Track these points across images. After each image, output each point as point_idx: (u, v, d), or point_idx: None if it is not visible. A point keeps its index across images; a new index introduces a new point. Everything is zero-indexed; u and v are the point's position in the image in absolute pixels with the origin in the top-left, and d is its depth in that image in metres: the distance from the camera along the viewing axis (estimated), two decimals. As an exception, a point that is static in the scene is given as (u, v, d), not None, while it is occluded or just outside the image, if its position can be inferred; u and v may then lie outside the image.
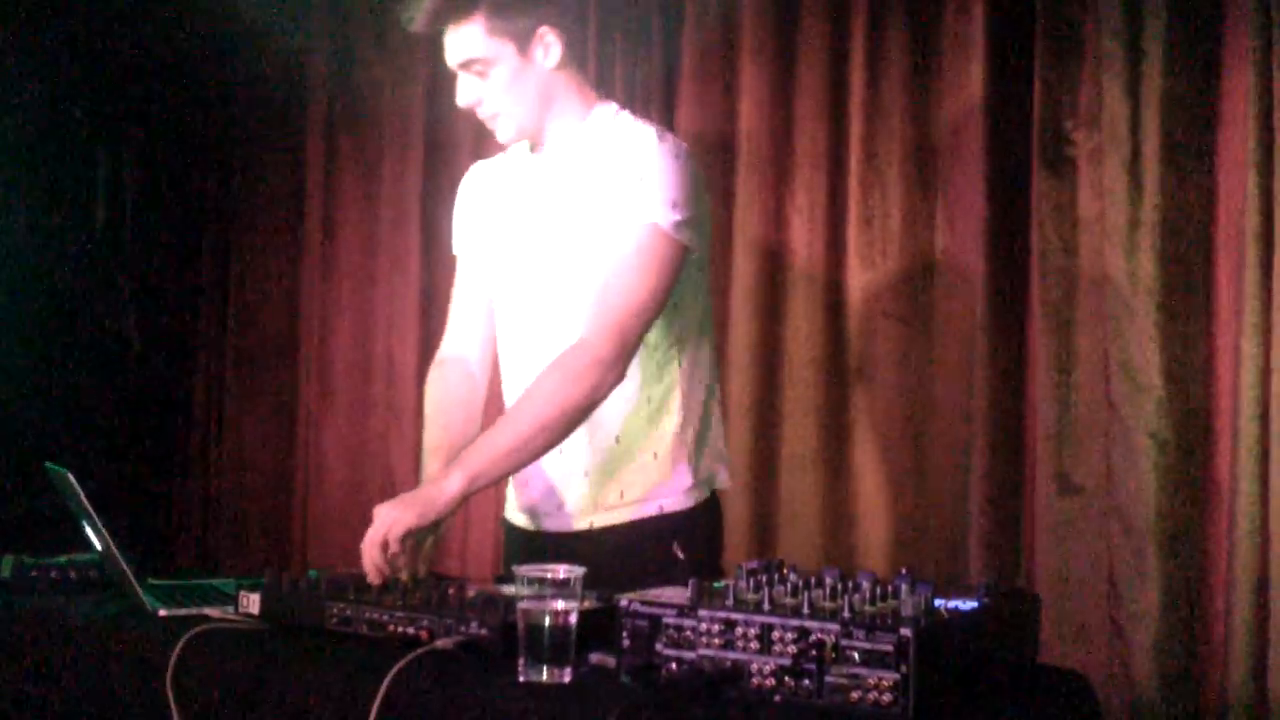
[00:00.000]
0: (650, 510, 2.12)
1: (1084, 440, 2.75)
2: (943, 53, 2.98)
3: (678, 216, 2.01)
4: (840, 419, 3.07)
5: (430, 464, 2.14)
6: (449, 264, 3.77)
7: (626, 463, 2.11)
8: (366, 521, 1.92)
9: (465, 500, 1.94)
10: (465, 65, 2.05)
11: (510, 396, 2.18)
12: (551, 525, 2.17)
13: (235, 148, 4.18)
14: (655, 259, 2.00)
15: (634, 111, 2.17)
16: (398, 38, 3.83)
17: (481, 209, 2.27)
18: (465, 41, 2.02)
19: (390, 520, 1.87)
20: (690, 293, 2.11)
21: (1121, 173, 2.71)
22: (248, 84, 4.13)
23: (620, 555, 2.05)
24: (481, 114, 2.09)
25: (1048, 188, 2.80)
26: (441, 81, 3.66)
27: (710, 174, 3.23)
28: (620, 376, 2.00)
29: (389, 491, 3.74)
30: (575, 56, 2.11)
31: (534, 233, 2.14)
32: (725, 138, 3.23)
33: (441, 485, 1.92)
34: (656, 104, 3.32)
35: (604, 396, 1.99)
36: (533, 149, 2.18)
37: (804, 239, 3.13)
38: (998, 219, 2.87)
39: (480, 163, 2.34)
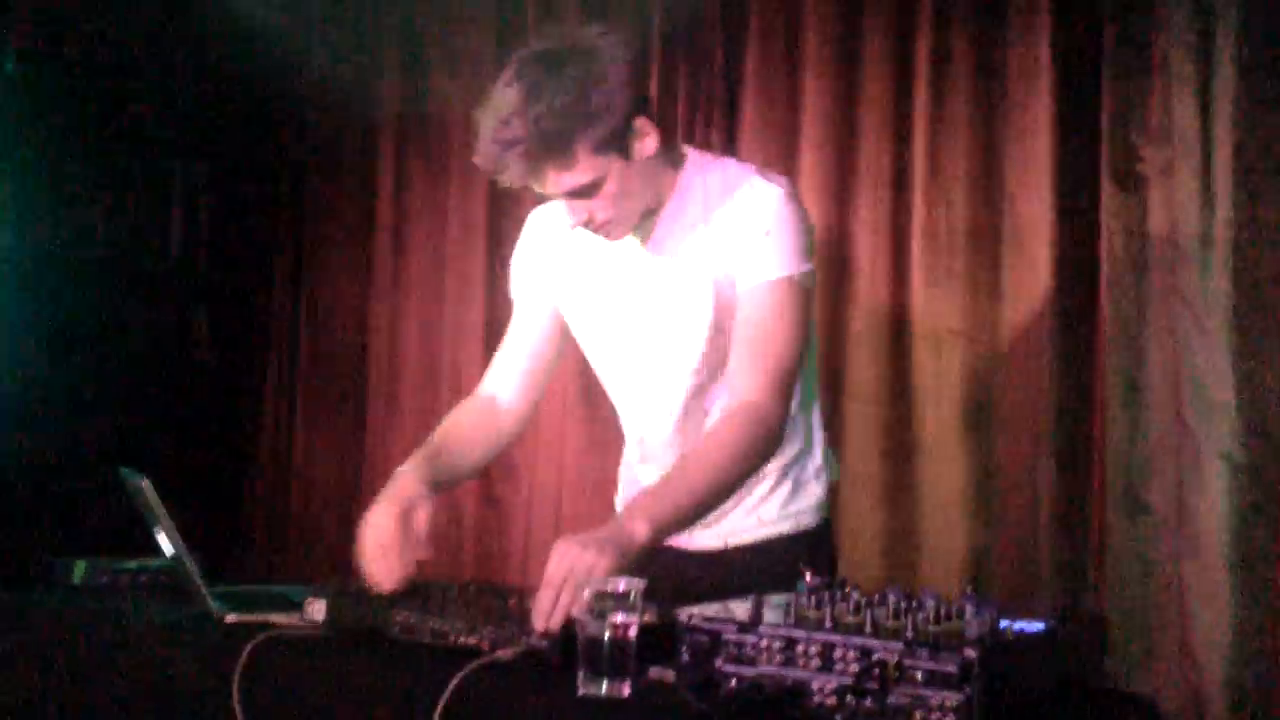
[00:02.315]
0: (782, 529, 2.13)
1: (1155, 461, 2.71)
2: (1009, 66, 2.96)
3: (808, 265, 1.99)
4: (904, 437, 3.04)
5: (418, 454, 2.09)
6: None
7: (762, 489, 2.12)
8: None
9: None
10: (573, 193, 1.94)
11: (635, 442, 2.20)
12: (679, 542, 2.13)
13: (307, 164, 4.25)
14: (797, 311, 1.98)
15: (697, 127, 2.16)
16: (465, 58, 3.88)
17: (555, 259, 2.17)
18: (570, 176, 1.91)
19: (589, 564, 1.70)
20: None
21: (1193, 188, 2.67)
22: (319, 103, 4.20)
23: (749, 574, 2.02)
24: (593, 229, 1.99)
25: (1117, 204, 2.76)
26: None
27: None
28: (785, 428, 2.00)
29: (452, 502, 3.78)
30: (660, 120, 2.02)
31: (639, 291, 2.08)
32: (788, 152, 3.23)
33: (630, 532, 1.78)
34: (719, 117, 3.32)
35: (775, 453, 2.00)
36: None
37: (867, 254, 3.12)
38: (1066, 236, 2.84)
39: (543, 209, 2.22)
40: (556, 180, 1.92)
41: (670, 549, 2.13)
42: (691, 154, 2.08)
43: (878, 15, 3.12)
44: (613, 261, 2.09)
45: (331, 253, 4.20)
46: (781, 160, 3.23)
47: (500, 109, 1.87)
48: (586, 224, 1.98)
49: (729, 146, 3.31)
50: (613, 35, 1.96)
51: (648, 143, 1.96)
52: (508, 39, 3.76)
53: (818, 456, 2.17)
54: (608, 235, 2.01)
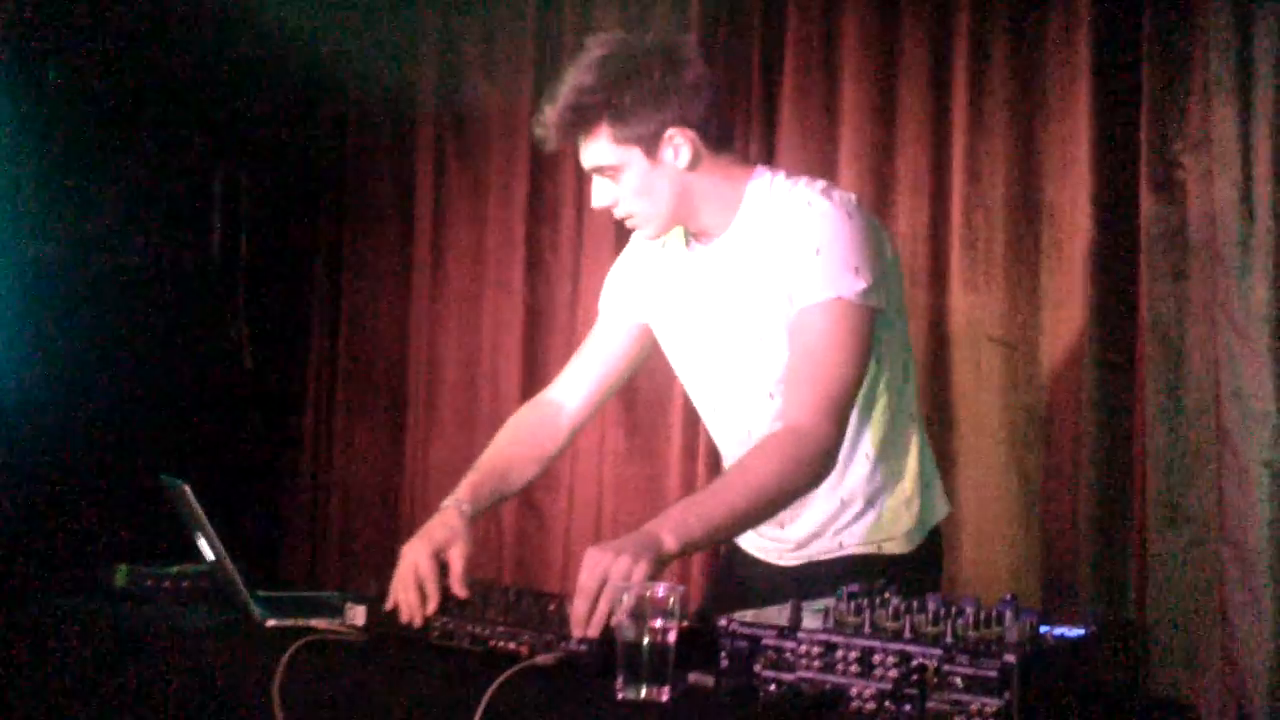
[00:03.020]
0: (867, 550, 2.10)
1: (1194, 469, 2.69)
2: (1047, 74, 2.95)
3: (863, 284, 1.94)
4: (944, 446, 3.03)
5: (461, 486, 2.09)
6: (552, 284, 3.88)
7: (848, 515, 2.10)
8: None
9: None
10: (597, 170, 2.05)
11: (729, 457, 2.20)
12: (768, 557, 2.18)
13: (347, 172, 4.27)
14: (850, 333, 1.94)
15: (735, 138, 2.16)
16: (505, 63, 3.90)
17: (649, 278, 2.22)
18: (593, 150, 2.02)
19: (625, 570, 1.70)
20: (890, 344, 2.07)
21: (1233, 195, 2.65)
22: (359, 108, 4.23)
23: (828, 589, 1.98)
24: (617, 214, 2.08)
25: (1156, 212, 2.75)
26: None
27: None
28: (838, 453, 1.96)
29: (493, 509, 3.78)
30: (722, 143, 2.05)
31: (708, 326, 2.12)
32: (826, 160, 3.22)
33: (660, 540, 1.78)
34: (758, 128, 3.33)
35: (825, 478, 1.97)
36: (693, 239, 2.13)
37: (905, 262, 3.08)
38: (1105, 243, 2.82)
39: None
40: (585, 153, 2.04)
41: (754, 562, 2.19)
42: (762, 172, 2.09)
43: (915, 23, 3.11)
44: (696, 280, 2.13)
45: (371, 260, 4.22)
46: (820, 170, 3.22)
47: (555, 84, 2.02)
48: (605, 208, 2.07)
49: (768, 158, 3.31)
50: (685, 46, 2.06)
51: (681, 154, 2.01)
52: (546, 47, 3.79)
53: (909, 479, 2.11)
54: (637, 228, 2.10)
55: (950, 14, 3.08)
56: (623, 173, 2.02)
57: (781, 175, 2.08)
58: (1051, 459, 2.90)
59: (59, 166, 3.66)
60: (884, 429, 2.09)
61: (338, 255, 4.28)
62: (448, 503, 2.05)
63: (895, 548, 2.10)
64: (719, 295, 2.09)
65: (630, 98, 1.98)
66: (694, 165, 2.02)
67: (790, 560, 2.16)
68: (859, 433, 2.06)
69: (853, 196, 2.04)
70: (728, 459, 2.22)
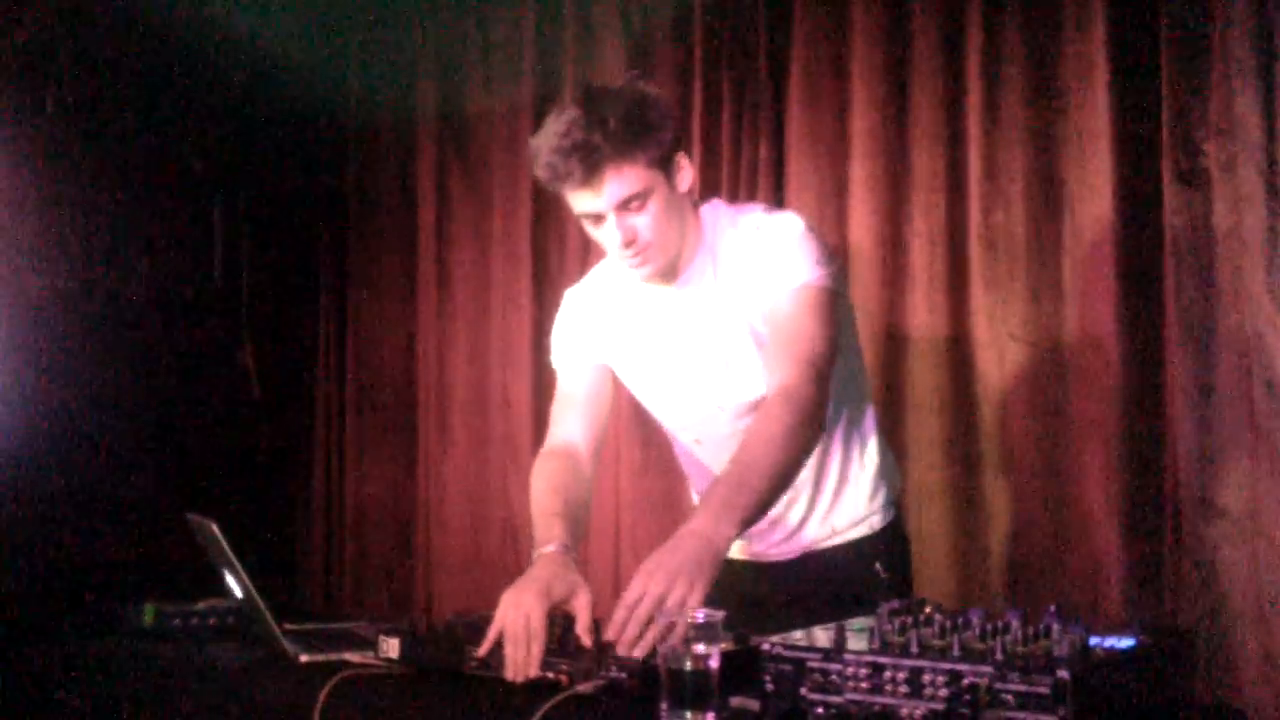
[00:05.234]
0: (857, 533, 2.23)
1: (1227, 463, 2.64)
2: (1063, 65, 2.90)
3: (823, 269, 2.06)
4: (970, 447, 2.99)
5: (552, 526, 2.01)
6: (560, 298, 3.80)
7: (826, 496, 2.22)
8: (486, 560, 1.90)
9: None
10: (625, 204, 2.02)
11: (701, 483, 2.27)
12: (755, 554, 2.26)
13: (349, 194, 4.26)
14: (823, 308, 2.04)
15: (744, 141, 2.19)
16: (505, 80, 3.88)
17: (597, 325, 2.25)
18: (627, 179, 2.00)
19: (681, 597, 1.67)
20: (844, 327, 2.16)
21: (1258, 182, 2.61)
22: (359, 129, 4.21)
23: (825, 578, 2.19)
24: (634, 249, 2.05)
25: (1180, 201, 2.70)
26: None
27: (824, 198, 3.20)
28: (824, 416, 2.02)
29: (509, 528, 3.76)
30: None
31: (691, 355, 2.17)
32: (838, 160, 3.19)
33: (709, 533, 1.77)
34: (766, 130, 3.29)
35: (819, 439, 2.03)
36: (659, 279, 2.15)
37: (924, 263, 3.07)
38: (1128, 235, 2.79)
39: (575, 289, 2.32)
40: (613, 185, 1.99)
41: (745, 564, 2.24)
42: (706, 207, 2.18)
43: (926, 16, 3.07)
44: (652, 313, 2.19)
45: (376, 282, 4.21)
46: (832, 170, 3.20)
47: (560, 124, 1.99)
48: (629, 245, 2.05)
49: (777, 161, 3.28)
50: (652, 85, 2.11)
51: (685, 176, 2.08)
52: (546, 63, 3.76)
53: (874, 454, 2.25)
54: (644, 263, 2.08)
55: (962, 6, 3.03)
56: (650, 199, 2.03)
57: (723, 204, 2.19)
58: (1080, 457, 2.86)
59: (57, 201, 3.63)
60: (850, 408, 2.22)
61: (342, 279, 4.26)
62: (550, 549, 1.92)
63: (880, 522, 2.24)
64: (690, 329, 2.15)
65: (655, 118, 2.01)
66: (690, 184, 2.11)
67: (785, 554, 2.24)
68: (835, 412, 2.15)
69: (794, 213, 2.14)
70: (696, 478, 2.33)
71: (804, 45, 3.26)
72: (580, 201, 2.03)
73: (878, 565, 2.19)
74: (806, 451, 1.98)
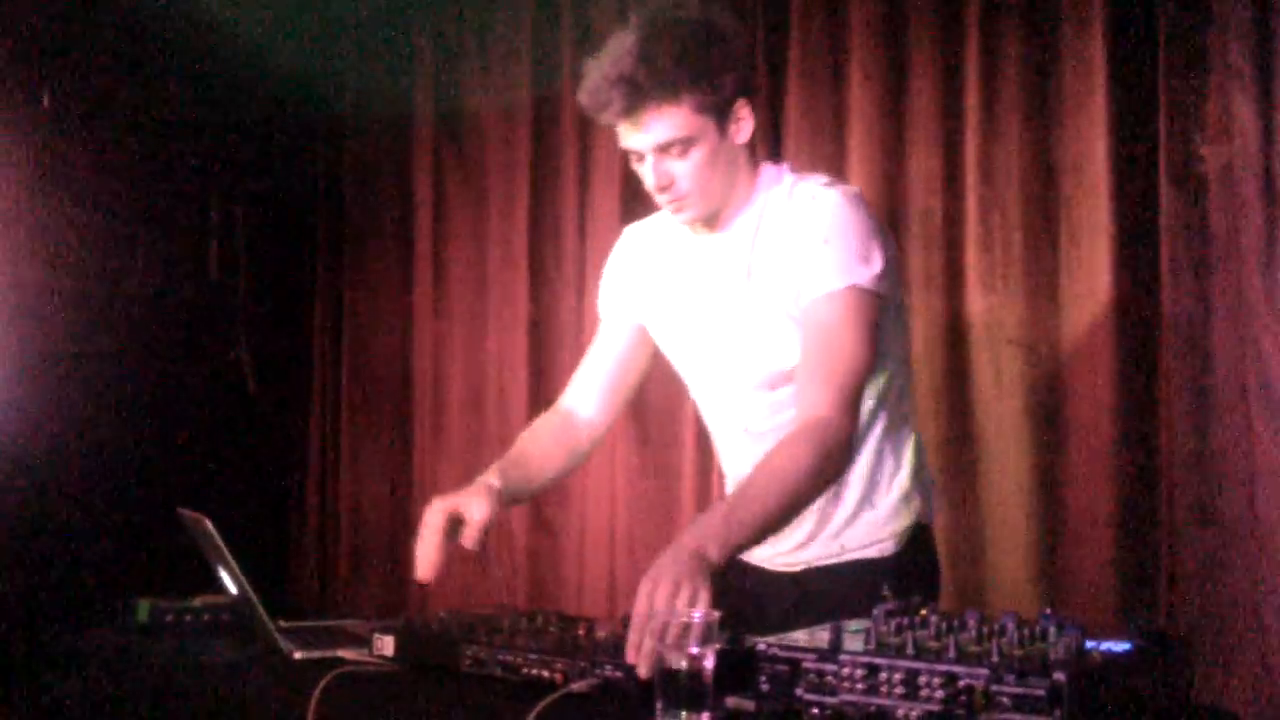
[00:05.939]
0: (868, 554, 2.09)
1: (1224, 470, 2.64)
2: (1061, 69, 2.90)
3: (872, 271, 1.93)
4: (964, 451, 2.99)
5: (494, 468, 2.05)
6: (556, 298, 3.85)
7: (852, 521, 2.09)
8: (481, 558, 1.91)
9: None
10: (665, 147, 1.93)
11: (728, 461, 2.19)
12: (759, 563, 2.15)
13: (344, 192, 4.25)
14: (863, 319, 1.92)
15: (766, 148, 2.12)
16: (502, 77, 3.88)
17: (643, 275, 2.18)
18: (669, 121, 1.90)
19: (687, 601, 1.64)
20: (894, 338, 2.06)
21: (1255, 186, 2.61)
22: (355, 127, 4.21)
23: (828, 595, 2.01)
24: (670, 195, 1.97)
25: (1177, 206, 2.71)
26: (546, 120, 3.75)
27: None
28: (853, 444, 1.94)
29: (504, 528, 3.76)
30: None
31: (719, 312, 2.08)
32: (835, 162, 3.19)
33: (705, 555, 1.72)
34: (762, 129, 3.28)
35: (846, 470, 1.95)
36: (703, 227, 2.07)
37: (920, 264, 3.07)
38: (1125, 239, 2.79)
39: (635, 226, 2.24)
40: (654, 125, 1.90)
41: (750, 569, 2.15)
42: (767, 167, 2.07)
43: (924, 17, 3.06)
44: (690, 260, 2.10)
45: (372, 280, 4.21)
46: (829, 172, 3.18)
47: (614, 50, 1.90)
48: (663, 190, 1.96)
49: (775, 159, 3.27)
50: (732, 16, 1.99)
51: (743, 127, 1.97)
52: (545, 64, 3.76)
53: (905, 480, 2.10)
54: (679, 209, 1.99)
55: (960, 7, 3.03)
56: (694, 147, 1.93)
57: (786, 168, 2.07)
58: (1075, 462, 2.86)
59: (52, 199, 3.63)
60: (885, 423, 2.07)
61: (338, 276, 4.26)
62: (481, 476, 2.01)
63: (895, 547, 2.08)
64: (723, 284, 2.06)
65: (717, 60, 1.90)
66: (748, 137, 1.98)
67: (788, 566, 2.13)
68: (866, 426, 2.04)
69: (857, 189, 2.03)
70: (723, 454, 2.21)
71: (801, 47, 3.26)
72: (621, 134, 1.94)
73: (885, 589, 2.06)
74: (833, 481, 1.92)
